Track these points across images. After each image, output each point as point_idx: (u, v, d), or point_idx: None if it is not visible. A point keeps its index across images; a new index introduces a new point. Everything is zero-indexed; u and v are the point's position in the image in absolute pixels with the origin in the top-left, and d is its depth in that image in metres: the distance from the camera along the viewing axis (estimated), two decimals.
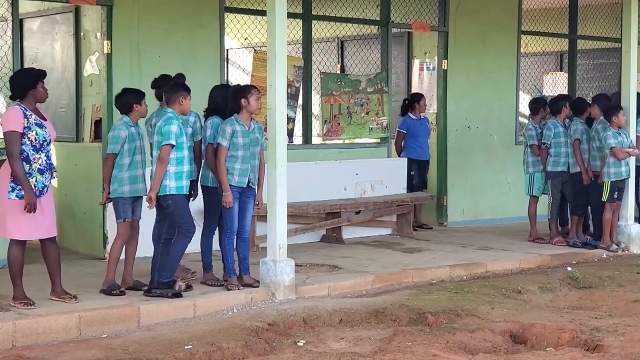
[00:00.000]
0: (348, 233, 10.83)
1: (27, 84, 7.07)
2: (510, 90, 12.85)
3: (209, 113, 8.11)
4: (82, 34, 9.76)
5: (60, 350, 6.27)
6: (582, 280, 8.92)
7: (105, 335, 6.72)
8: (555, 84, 15.21)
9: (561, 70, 15.60)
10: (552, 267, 9.67)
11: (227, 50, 12.22)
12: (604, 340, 6.47)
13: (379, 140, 11.71)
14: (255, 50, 10.88)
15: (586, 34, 14.10)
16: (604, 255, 10.29)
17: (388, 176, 11.46)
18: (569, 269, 9.37)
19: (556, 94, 12.52)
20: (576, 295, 8.52)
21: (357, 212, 10.97)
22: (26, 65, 10.02)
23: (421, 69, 12.81)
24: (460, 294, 8.08)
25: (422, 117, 11.92)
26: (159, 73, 9.43)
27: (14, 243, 7.02)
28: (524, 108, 12.95)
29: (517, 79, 13.00)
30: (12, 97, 7.18)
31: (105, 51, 9.33)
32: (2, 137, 7.23)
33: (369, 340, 6.61)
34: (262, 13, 9.16)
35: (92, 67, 9.70)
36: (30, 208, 6.83)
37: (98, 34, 9.51)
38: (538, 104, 10.98)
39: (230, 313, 7.37)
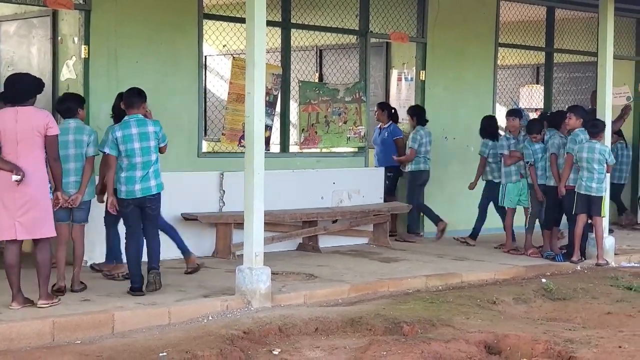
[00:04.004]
0: (325, 242, 10.83)
1: (34, 90, 7.18)
2: (487, 102, 12.92)
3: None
4: (59, 38, 9.70)
5: (33, 357, 6.21)
6: (556, 292, 8.96)
7: (79, 342, 6.67)
8: (532, 97, 15.31)
9: (537, 83, 15.71)
10: (527, 278, 9.71)
11: (206, 57, 12.20)
12: (578, 352, 6.51)
13: (356, 150, 11.74)
14: (234, 57, 10.87)
15: (563, 48, 14.20)
16: (578, 267, 10.34)
17: (365, 186, 11.49)
18: (544, 280, 9.41)
19: (533, 107, 12.67)
20: (550, 307, 8.56)
21: (334, 221, 10.97)
22: (2, 70, 9.97)
23: (399, 80, 12.84)
24: (435, 304, 8.09)
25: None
26: (136, 79, 9.47)
27: None
28: (501, 120, 13.02)
29: (494, 91, 13.08)
30: (8, 100, 7.16)
31: (83, 56, 9.30)
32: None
33: (345, 350, 6.60)
34: (241, 20, 9.15)
35: (69, 71, 9.64)
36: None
37: (76, 39, 9.46)
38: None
39: (205, 320, 7.34)
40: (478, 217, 11.54)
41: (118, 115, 8.33)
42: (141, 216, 7.98)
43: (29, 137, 7.09)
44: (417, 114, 11.80)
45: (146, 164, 7.90)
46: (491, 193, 11.39)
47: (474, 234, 11.57)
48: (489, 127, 11.46)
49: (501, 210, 11.38)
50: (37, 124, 7.10)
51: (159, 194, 8.04)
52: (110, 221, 8.52)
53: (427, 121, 11.83)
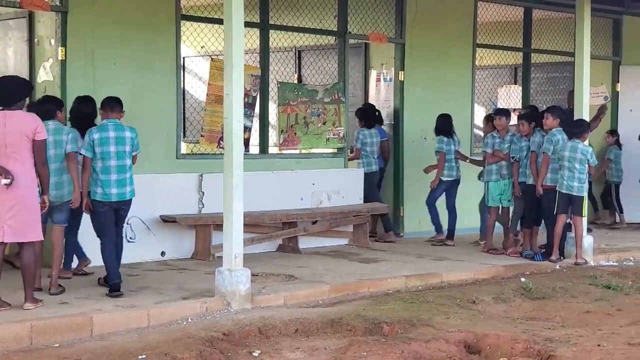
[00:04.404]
0: (304, 243, 10.81)
1: (23, 93, 7.19)
2: (466, 102, 12.96)
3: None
4: (36, 40, 9.64)
5: None
6: (535, 291, 8.99)
7: (58, 345, 6.61)
8: (510, 97, 15.37)
9: (515, 83, 15.77)
10: (506, 277, 9.74)
11: (184, 58, 12.15)
12: (557, 351, 6.53)
13: (335, 151, 11.74)
14: (212, 58, 10.84)
15: (540, 48, 14.26)
16: (557, 267, 10.38)
17: (345, 186, 11.49)
18: (523, 279, 9.44)
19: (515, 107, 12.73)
20: (529, 306, 8.58)
21: (314, 222, 10.96)
22: None
23: (378, 80, 12.86)
24: (415, 304, 8.10)
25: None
26: (114, 80, 9.47)
27: None
28: (480, 120, 13.07)
29: (473, 91, 13.11)
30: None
31: (60, 58, 9.25)
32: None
33: (325, 350, 6.59)
34: (219, 21, 9.14)
35: (46, 73, 9.58)
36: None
37: (52, 41, 9.40)
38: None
39: (184, 323, 7.31)
40: (450, 217, 11.63)
41: (77, 118, 8.41)
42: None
43: (17, 141, 7.09)
44: (364, 116, 11.84)
45: (121, 167, 8.00)
46: (451, 191, 11.62)
47: (450, 234, 11.62)
48: (444, 125, 11.54)
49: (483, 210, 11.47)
50: (26, 128, 7.12)
51: (131, 199, 8.19)
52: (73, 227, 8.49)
53: (377, 122, 11.93)
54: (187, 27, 10.82)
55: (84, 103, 8.49)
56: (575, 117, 10.87)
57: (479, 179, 11.59)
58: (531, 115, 11.12)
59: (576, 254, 10.53)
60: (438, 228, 11.76)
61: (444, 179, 11.53)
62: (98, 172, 7.96)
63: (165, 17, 10.00)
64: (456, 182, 11.65)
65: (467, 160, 11.75)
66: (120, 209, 8.09)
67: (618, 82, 14.66)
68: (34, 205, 7.20)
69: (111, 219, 8.05)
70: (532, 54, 14.17)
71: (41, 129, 7.22)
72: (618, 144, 14.04)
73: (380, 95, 12.76)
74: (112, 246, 8.03)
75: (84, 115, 8.34)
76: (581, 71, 10.96)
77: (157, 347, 6.41)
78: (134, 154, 8.15)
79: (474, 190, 11.90)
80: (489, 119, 11.65)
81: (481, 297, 8.60)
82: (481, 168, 11.47)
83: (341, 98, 11.61)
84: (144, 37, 9.82)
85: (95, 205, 7.99)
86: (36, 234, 7.26)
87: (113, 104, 8.11)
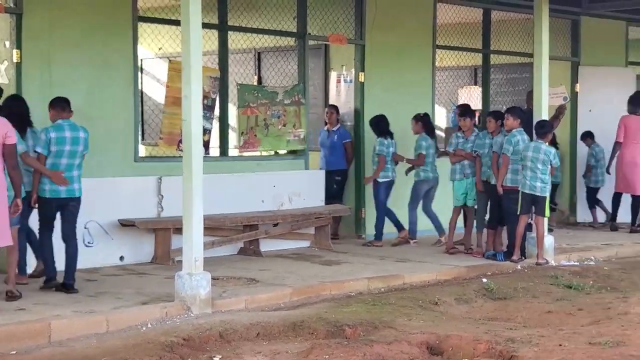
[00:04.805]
0: (266, 246, 10.75)
1: None
2: (426, 103, 12.96)
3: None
4: None
5: None
6: (497, 292, 9.01)
7: (15, 352, 6.49)
8: (470, 98, 15.44)
9: (475, 84, 15.86)
10: (468, 278, 9.75)
11: (142, 60, 12.03)
12: (519, 351, 6.53)
13: (296, 152, 11.69)
14: (170, 60, 10.75)
15: (499, 49, 14.33)
16: (519, 267, 10.42)
17: (306, 188, 11.45)
18: (485, 280, 9.47)
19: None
20: (491, 307, 8.60)
21: (275, 225, 10.90)
22: None
23: (338, 82, 12.84)
24: (378, 306, 8.07)
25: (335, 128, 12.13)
26: (70, 83, 9.35)
27: None
28: (440, 121, 13.11)
29: (433, 92, 13.13)
30: None
31: (15, 60, 9.11)
32: None
33: (287, 354, 6.54)
34: (177, 23, 9.06)
35: (0, 76, 9.43)
36: None
37: (7, 43, 9.25)
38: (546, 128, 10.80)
39: (144, 328, 7.21)
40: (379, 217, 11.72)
41: (7, 116, 8.23)
42: (59, 219, 8.35)
43: None
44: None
45: (70, 166, 8.21)
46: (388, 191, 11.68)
47: (412, 233, 11.69)
48: (385, 126, 11.61)
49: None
50: None
51: (80, 197, 8.33)
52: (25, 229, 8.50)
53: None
54: (144, 29, 10.72)
55: (15, 102, 8.47)
56: (535, 118, 10.92)
57: (406, 174, 11.77)
58: (499, 113, 11.19)
59: (537, 254, 10.58)
60: (399, 227, 11.78)
61: (380, 180, 11.57)
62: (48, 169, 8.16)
63: (122, 19, 9.89)
64: (392, 183, 11.69)
65: (404, 161, 11.74)
66: (70, 205, 8.25)
67: (577, 82, 14.77)
68: (5, 211, 7.21)
69: (54, 216, 8.29)
70: (492, 55, 14.23)
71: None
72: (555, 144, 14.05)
73: (341, 97, 12.74)
74: (50, 240, 8.26)
75: (14, 113, 8.20)
76: (540, 72, 11.02)
77: (116, 353, 6.31)
78: (84, 153, 8.37)
79: (438, 192, 11.90)
80: (417, 119, 11.68)
81: (443, 298, 8.60)
82: (409, 165, 11.77)
83: (301, 100, 11.56)
84: (100, 39, 9.70)
85: (42, 201, 8.17)
86: (5, 239, 7.28)
87: (64, 104, 8.31)
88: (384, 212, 11.63)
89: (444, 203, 11.63)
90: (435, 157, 11.69)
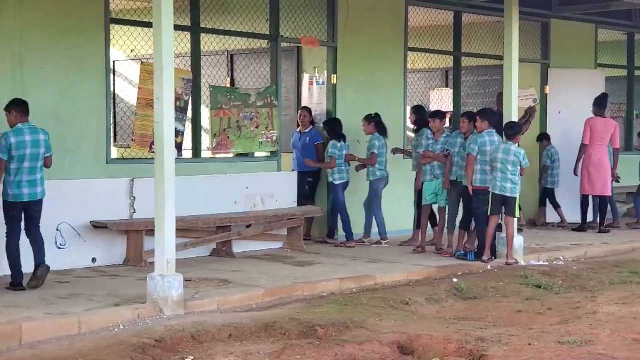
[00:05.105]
0: (239, 247, 10.77)
1: None
2: (398, 105, 13.04)
3: None
4: None
5: None
6: (467, 291, 9.09)
7: None
8: (442, 100, 15.54)
9: (447, 86, 15.95)
10: (439, 278, 9.82)
11: (114, 62, 12.02)
12: (489, 350, 6.60)
13: (269, 154, 11.72)
14: (142, 62, 10.74)
15: (470, 52, 14.43)
16: (489, 267, 10.50)
17: (278, 190, 11.47)
18: (455, 280, 9.54)
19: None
20: (462, 306, 8.67)
21: (248, 226, 10.92)
22: None
23: (311, 84, 12.87)
24: (349, 307, 8.12)
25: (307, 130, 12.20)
26: (42, 84, 9.33)
27: None
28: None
29: (405, 94, 13.20)
30: None
31: None
32: None
33: (259, 355, 6.56)
34: (150, 25, 9.04)
35: None
36: None
37: None
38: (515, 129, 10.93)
39: (116, 330, 7.21)
40: (377, 220, 11.80)
41: None
42: (23, 218, 8.43)
43: None
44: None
45: (33, 169, 8.30)
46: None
47: (383, 235, 11.75)
48: (340, 129, 11.74)
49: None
50: None
51: (42, 199, 8.44)
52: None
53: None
54: (116, 30, 10.69)
55: None
56: (505, 120, 11.02)
57: (357, 170, 11.90)
58: (473, 114, 11.29)
59: (507, 254, 10.68)
60: (332, 232, 11.91)
61: (337, 182, 11.69)
62: (11, 174, 8.26)
63: (95, 21, 9.86)
64: (347, 184, 11.80)
65: (356, 160, 11.84)
66: (32, 209, 8.36)
67: (547, 84, 14.90)
68: None
69: (20, 219, 8.36)
70: (463, 58, 14.32)
71: None
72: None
73: (313, 99, 12.77)
74: (17, 245, 8.32)
75: None
76: (510, 74, 11.11)
77: (88, 355, 6.32)
78: (47, 155, 8.43)
79: (405, 193, 11.97)
80: (369, 120, 11.77)
81: (414, 298, 8.66)
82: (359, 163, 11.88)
83: (274, 102, 11.59)
84: (73, 40, 9.68)
85: (6, 205, 8.26)
86: None
87: (25, 108, 8.36)
88: (346, 212, 11.75)
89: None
90: (387, 157, 11.79)
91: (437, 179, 11.18)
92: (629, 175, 15.40)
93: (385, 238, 11.77)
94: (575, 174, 13.74)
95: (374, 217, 11.80)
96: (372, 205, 11.75)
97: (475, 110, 11.94)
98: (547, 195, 14.29)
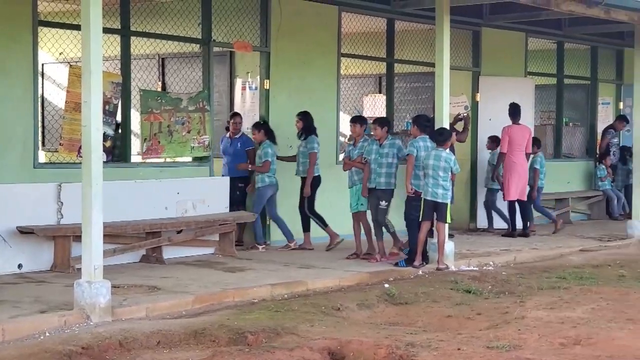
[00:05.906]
0: (169, 253, 10.65)
1: None
2: (331, 110, 13.06)
3: None
4: None
5: None
6: (398, 297, 9.11)
7: None
8: (375, 106, 15.63)
9: (380, 92, 16.05)
10: (371, 284, 9.83)
11: (43, 64, 11.80)
12: (418, 355, 6.63)
13: (200, 159, 11.62)
14: (70, 65, 10.57)
15: (403, 58, 14.53)
16: (420, 272, 10.56)
17: (210, 195, 11.39)
18: (386, 285, 9.56)
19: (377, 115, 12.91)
20: (393, 311, 8.70)
21: (179, 232, 10.80)
22: None
23: (243, 89, 12.83)
24: (280, 313, 8.08)
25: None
26: None
27: None
28: (345, 128, 13.20)
29: (338, 99, 13.23)
30: None
31: None
32: None
33: None
34: (78, 27, 8.90)
35: None
36: None
37: None
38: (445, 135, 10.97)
39: (41, 337, 7.05)
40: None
41: None
42: None
43: None
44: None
45: None
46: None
47: (259, 238, 11.88)
48: (272, 134, 11.81)
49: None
50: None
51: None
52: None
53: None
54: (45, 33, 10.50)
55: None
56: (436, 126, 11.10)
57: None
58: (384, 120, 11.39)
59: (438, 260, 10.76)
60: (258, 236, 11.91)
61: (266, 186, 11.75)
62: None
63: (22, 23, 9.69)
64: (277, 187, 11.87)
65: (249, 168, 11.93)
66: None
67: (477, 92, 15.09)
68: None
69: None
70: (396, 64, 14.41)
71: None
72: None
73: (246, 104, 12.73)
74: None
75: None
76: (441, 81, 11.20)
77: None
78: None
79: (340, 197, 11.99)
80: (257, 127, 11.82)
81: (346, 303, 8.66)
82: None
83: (206, 106, 11.51)
84: None
85: None
86: None
87: None
88: (275, 213, 11.84)
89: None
90: (276, 164, 11.86)
91: (355, 185, 11.25)
92: (559, 182, 15.71)
93: (261, 243, 11.80)
94: (497, 180, 13.93)
95: (280, 221, 11.86)
96: (255, 209, 11.76)
97: (408, 117, 12.04)
98: (490, 196, 14.41)
